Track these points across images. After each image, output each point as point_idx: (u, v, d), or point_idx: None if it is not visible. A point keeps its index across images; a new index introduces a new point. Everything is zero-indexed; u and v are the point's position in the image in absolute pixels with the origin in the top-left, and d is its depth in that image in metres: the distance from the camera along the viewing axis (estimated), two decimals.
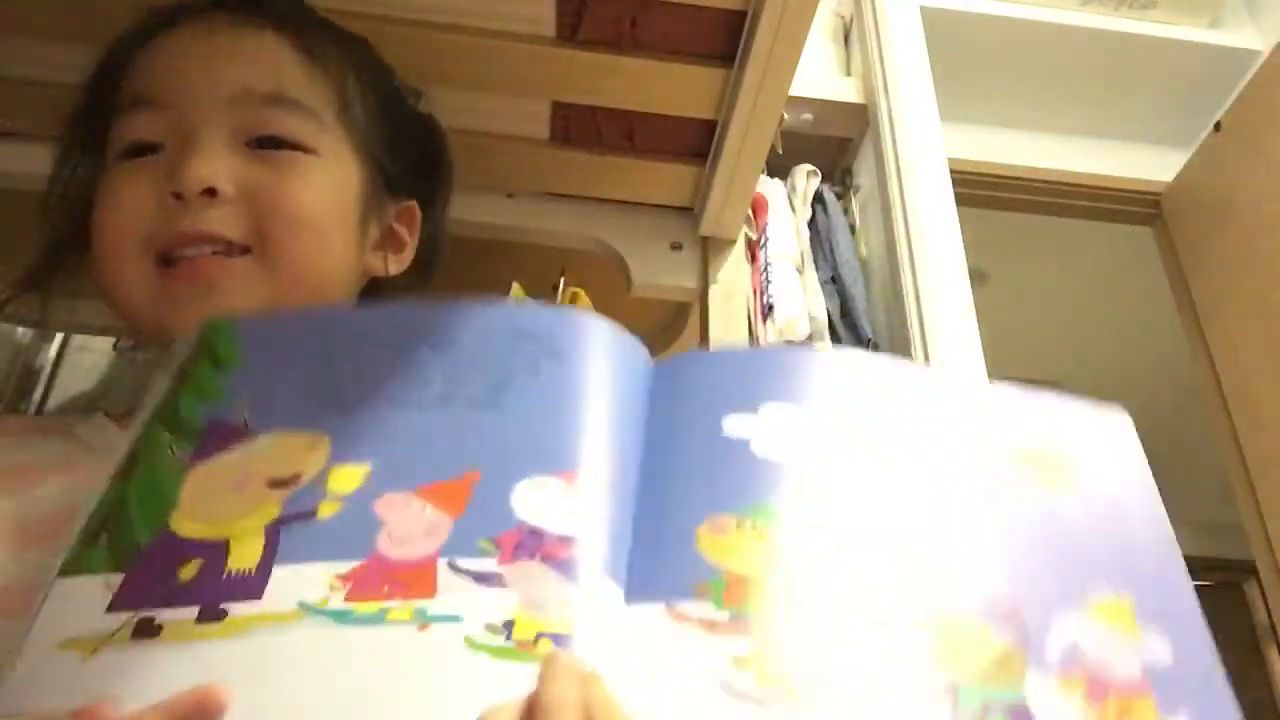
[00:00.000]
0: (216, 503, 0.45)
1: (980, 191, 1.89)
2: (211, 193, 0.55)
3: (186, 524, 0.44)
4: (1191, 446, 2.75)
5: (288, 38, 0.62)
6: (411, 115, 0.71)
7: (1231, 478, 1.65)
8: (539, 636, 0.38)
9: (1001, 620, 0.41)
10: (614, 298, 0.90)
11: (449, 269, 0.98)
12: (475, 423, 0.47)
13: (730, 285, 0.89)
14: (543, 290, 1.00)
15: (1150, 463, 0.51)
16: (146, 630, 0.39)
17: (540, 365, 0.49)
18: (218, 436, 0.48)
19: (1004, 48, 1.99)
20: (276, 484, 0.45)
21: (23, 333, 0.66)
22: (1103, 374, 2.64)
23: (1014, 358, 1.80)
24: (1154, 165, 1.92)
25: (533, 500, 0.43)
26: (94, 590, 0.41)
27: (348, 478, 0.45)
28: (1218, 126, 1.71)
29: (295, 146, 0.59)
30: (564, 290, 1.00)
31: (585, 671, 0.36)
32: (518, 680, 0.36)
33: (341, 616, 0.39)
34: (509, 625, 0.38)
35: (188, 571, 0.41)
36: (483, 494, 0.43)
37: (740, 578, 0.42)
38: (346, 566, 0.41)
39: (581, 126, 0.84)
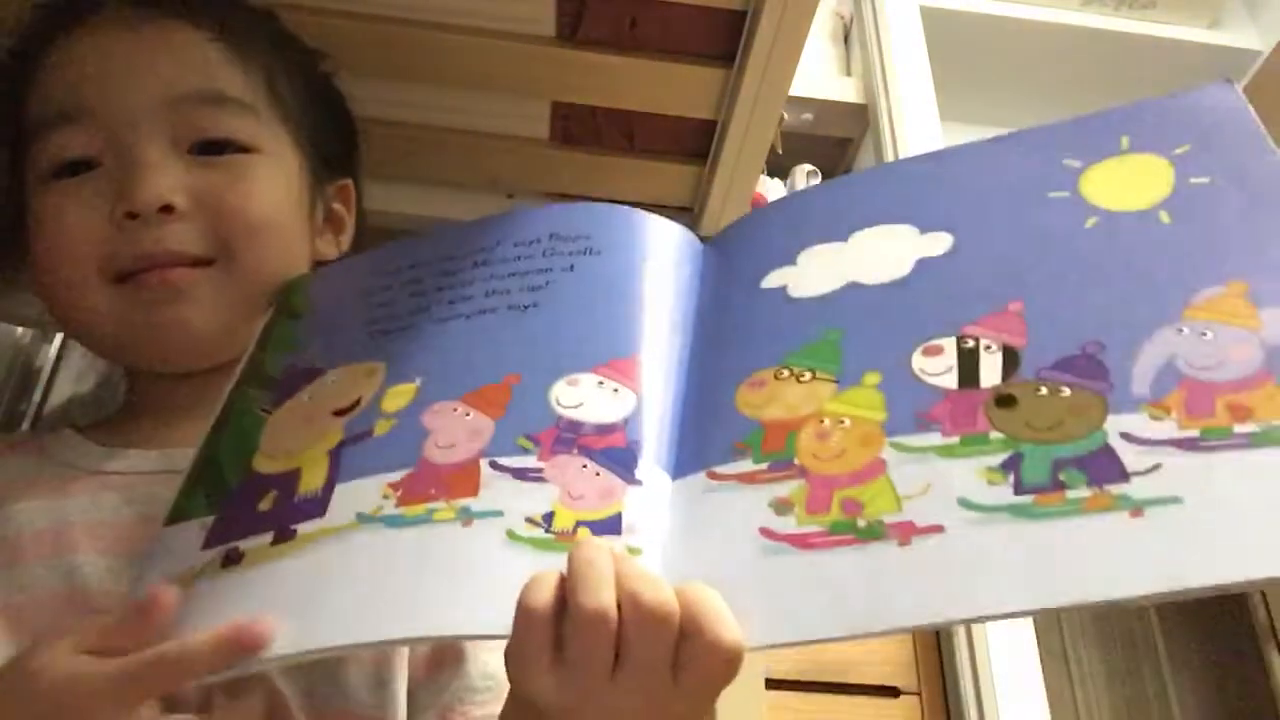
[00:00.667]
0: (290, 438, 0.48)
1: None
2: (168, 209, 0.53)
3: (266, 462, 0.47)
4: None
5: (210, 28, 0.59)
6: (328, 87, 0.69)
7: None
8: (578, 525, 0.39)
9: (1070, 371, 0.38)
10: None
11: None
12: (515, 326, 0.49)
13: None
14: None
15: None
16: (232, 559, 0.43)
17: (576, 263, 0.51)
18: (294, 380, 0.52)
19: (1004, 48, 1.99)
20: (340, 412, 0.48)
21: (22, 333, 0.66)
22: None
23: None
24: None
25: (570, 395, 0.44)
26: (192, 532, 0.45)
27: (399, 395, 0.47)
28: None
29: (239, 148, 0.57)
30: None
31: (615, 550, 0.37)
32: (558, 568, 0.37)
33: (393, 521, 0.41)
34: (549, 517, 0.40)
35: (266, 502, 0.45)
36: (522, 394, 0.45)
37: (779, 422, 0.41)
38: (398, 475, 0.43)
39: (581, 126, 0.84)
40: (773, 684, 0.99)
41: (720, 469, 0.41)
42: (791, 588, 0.36)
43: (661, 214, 0.91)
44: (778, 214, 0.53)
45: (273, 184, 0.58)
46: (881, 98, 1.74)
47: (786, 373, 0.43)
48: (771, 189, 1.71)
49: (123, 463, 0.55)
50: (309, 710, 0.47)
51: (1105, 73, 1.96)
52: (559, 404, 0.44)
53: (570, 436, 0.42)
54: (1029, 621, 1.32)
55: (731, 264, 0.50)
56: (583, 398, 0.44)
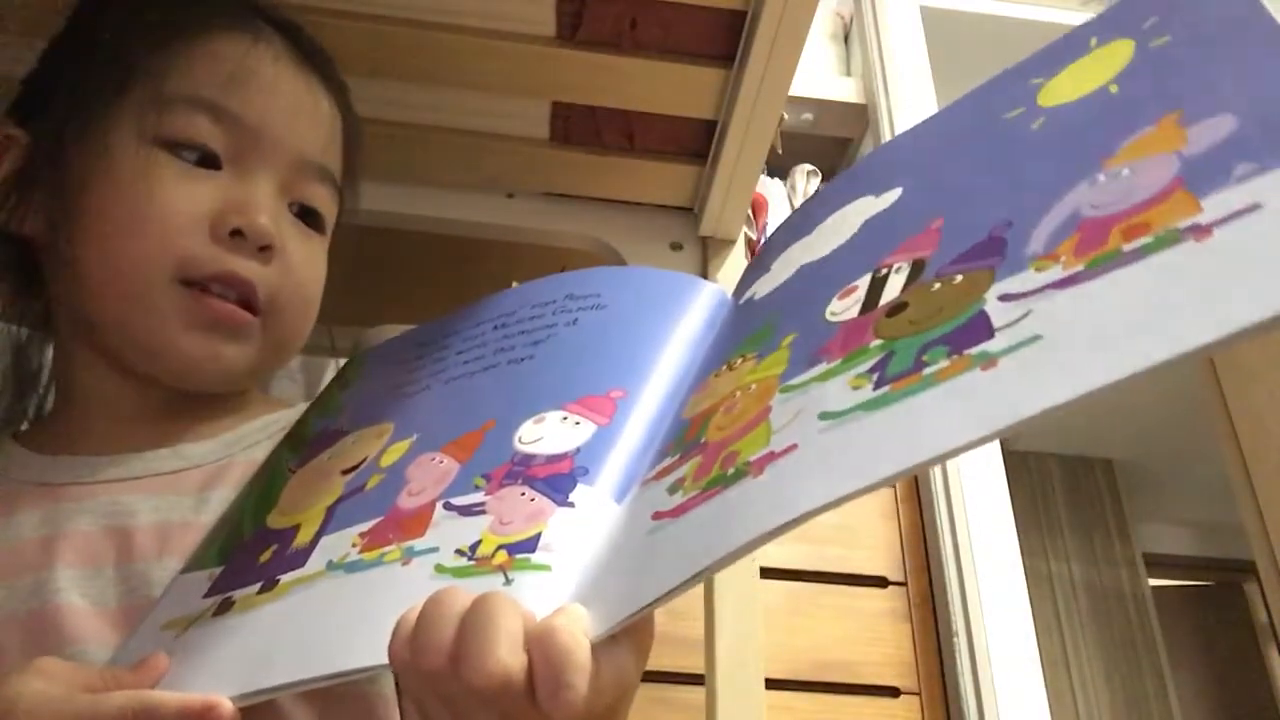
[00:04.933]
0: (301, 496, 0.50)
1: None
2: (268, 249, 0.54)
3: (278, 518, 0.49)
4: (1191, 447, 2.75)
5: (337, 103, 0.61)
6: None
7: (1231, 478, 1.65)
8: (498, 549, 0.39)
9: (969, 259, 0.35)
10: None
11: (449, 269, 0.98)
12: (508, 377, 0.50)
13: (730, 285, 0.89)
14: None
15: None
16: (225, 607, 0.44)
17: (580, 318, 0.52)
18: (321, 442, 0.54)
19: (1004, 48, 1.98)
20: (346, 471, 0.50)
21: (23, 333, 0.66)
22: None
23: None
24: None
25: (532, 432, 0.45)
26: (200, 581, 0.47)
27: (395, 452, 0.49)
28: None
29: (318, 225, 0.59)
30: None
31: (494, 605, 0.35)
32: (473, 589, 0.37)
33: (352, 567, 0.43)
34: (475, 546, 0.40)
35: (266, 555, 0.46)
36: (493, 437, 0.46)
37: (702, 413, 0.41)
38: (369, 525, 0.44)
39: (581, 126, 0.84)
40: (773, 684, 0.99)
41: (647, 475, 0.40)
42: (654, 557, 0.35)
43: (661, 214, 0.93)
44: (771, 238, 0.53)
45: (324, 270, 0.60)
46: (881, 98, 1.74)
47: (725, 368, 0.43)
48: (771, 189, 1.71)
49: (69, 471, 0.53)
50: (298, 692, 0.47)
51: None
52: (520, 442, 0.45)
53: (520, 470, 0.43)
54: (1029, 621, 1.32)
55: (736, 301, 0.51)
56: (543, 433, 0.44)
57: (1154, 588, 3.00)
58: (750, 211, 1.54)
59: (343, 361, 0.66)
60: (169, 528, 0.51)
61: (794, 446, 0.34)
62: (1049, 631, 2.76)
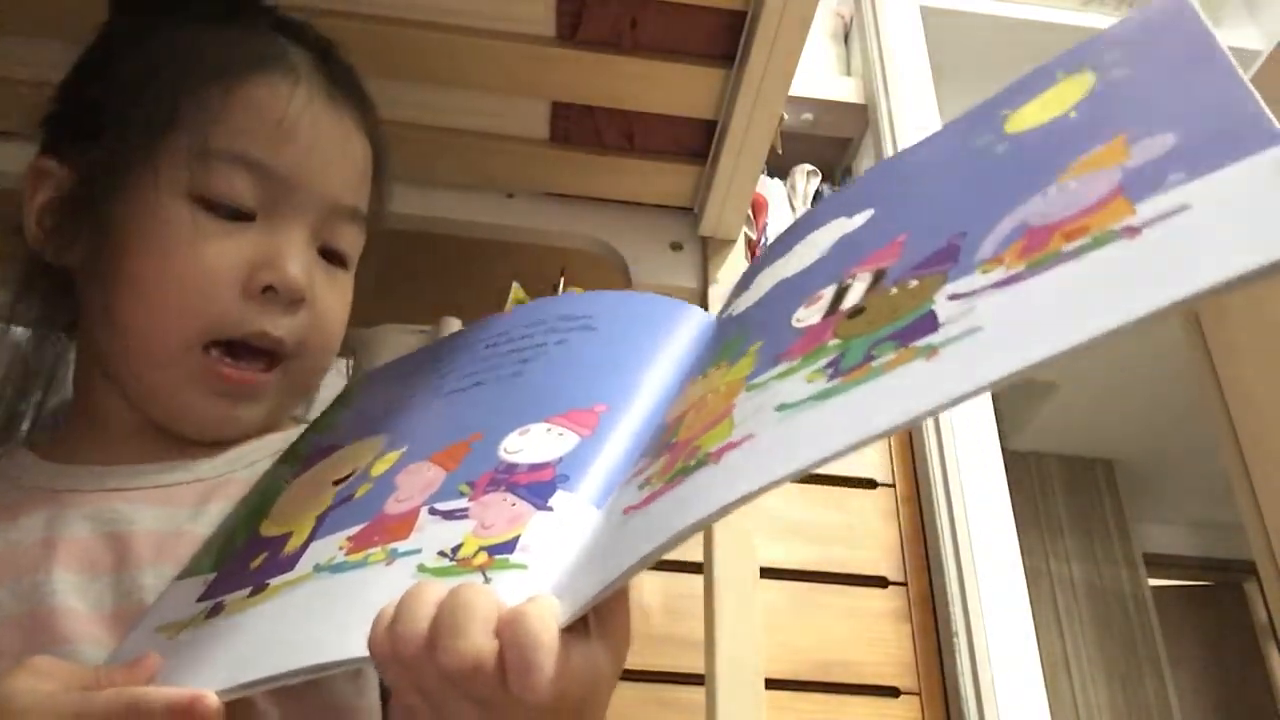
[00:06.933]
0: (293, 506, 0.51)
1: None
2: (300, 301, 0.55)
3: (270, 527, 0.50)
4: (1191, 446, 2.75)
5: (367, 131, 0.61)
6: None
7: (1231, 478, 1.65)
8: (479, 550, 0.41)
9: (925, 266, 0.38)
10: None
11: (449, 269, 0.99)
12: (497, 391, 0.52)
13: (730, 285, 0.89)
14: (543, 290, 1.00)
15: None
16: (216, 611, 0.45)
17: (569, 337, 0.54)
18: (316, 456, 0.55)
19: (1004, 48, 1.98)
20: (338, 481, 0.51)
21: (22, 333, 0.66)
22: (1103, 375, 2.65)
23: None
24: None
25: (516, 443, 0.47)
26: (194, 587, 0.48)
27: (385, 462, 0.50)
28: None
29: (346, 263, 0.59)
30: (564, 290, 1.00)
31: (471, 593, 0.37)
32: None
33: (338, 568, 0.44)
34: (456, 548, 0.41)
35: (257, 562, 0.48)
36: (480, 448, 0.47)
37: (675, 419, 0.43)
38: (356, 530, 0.46)
39: (581, 126, 0.84)
40: (773, 684, 0.98)
41: (623, 479, 0.42)
42: (618, 543, 0.37)
43: (661, 214, 0.93)
44: (755, 261, 0.55)
45: (348, 307, 0.60)
46: (881, 98, 1.73)
47: (700, 376, 0.46)
48: (771, 189, 1.70)
49: (72, 479, 0.54)
50: (285, 702, 0.48)
51: None
52: (505, 452, 0.46)
53: (504, 478, 0.44)
54: (1029, 621, 1.32)
55: (719, 319, 0.53)
56: (526, 444, 0.46)
57: (1154, 588, 3.00)
58: (750, 211, 1.54)
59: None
60: (165, 537, 0.51)
61: (750, 435, 0.37)
62: (1049, 631, 2.76)
